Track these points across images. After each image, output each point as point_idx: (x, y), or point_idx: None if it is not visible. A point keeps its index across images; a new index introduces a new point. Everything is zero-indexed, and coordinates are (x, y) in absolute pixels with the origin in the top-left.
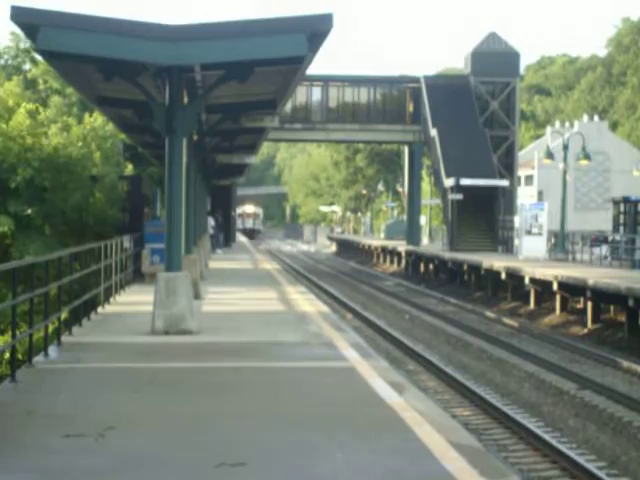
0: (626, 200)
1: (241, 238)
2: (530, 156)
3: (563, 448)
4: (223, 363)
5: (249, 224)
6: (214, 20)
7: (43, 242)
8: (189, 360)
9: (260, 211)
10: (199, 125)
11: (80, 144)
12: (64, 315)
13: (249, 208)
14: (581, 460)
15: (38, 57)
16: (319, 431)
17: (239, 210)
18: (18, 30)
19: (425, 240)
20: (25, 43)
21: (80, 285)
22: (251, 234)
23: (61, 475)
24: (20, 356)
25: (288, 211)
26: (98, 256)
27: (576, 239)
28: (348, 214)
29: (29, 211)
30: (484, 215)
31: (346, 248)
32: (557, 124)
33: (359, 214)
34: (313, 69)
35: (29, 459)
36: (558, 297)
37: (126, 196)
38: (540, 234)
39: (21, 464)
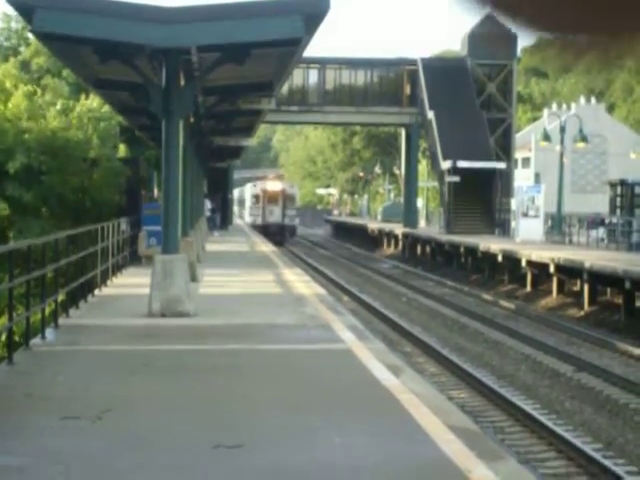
0: (623, 182)
1: (238, 220)
2: (527, 138)
3: (559, 430)
4: (220, 345)
5: (274, 215)
6: (211, 2)
7: (40, 226)
8: (186, 342)
9: (295, 190)
10: (196, 107)
11: (75, 124)
12: (61, 297)
13: (273, 184)
14: (577, 442)
15: (30, 38)
16: (316, 413)
17: (253, 189)
18: (9, 11)
19: (422, 223)
20: (17, 23)
21: (77, 267)
22: (279, 235)
23: (59, 457)
24: (17, 338)
25: None
26: (95, 239)
27: (573, 221)
28: (345, 196)
29: (27, 195)
30: (481, 197)
31: (342, 231)
32: (554, 106)
33: (356, 196)
34: (310, 51)
35: (27, 441)
36: (555, 279)
37: (124, 179)
38: (537, 216)
39: (19, 446)
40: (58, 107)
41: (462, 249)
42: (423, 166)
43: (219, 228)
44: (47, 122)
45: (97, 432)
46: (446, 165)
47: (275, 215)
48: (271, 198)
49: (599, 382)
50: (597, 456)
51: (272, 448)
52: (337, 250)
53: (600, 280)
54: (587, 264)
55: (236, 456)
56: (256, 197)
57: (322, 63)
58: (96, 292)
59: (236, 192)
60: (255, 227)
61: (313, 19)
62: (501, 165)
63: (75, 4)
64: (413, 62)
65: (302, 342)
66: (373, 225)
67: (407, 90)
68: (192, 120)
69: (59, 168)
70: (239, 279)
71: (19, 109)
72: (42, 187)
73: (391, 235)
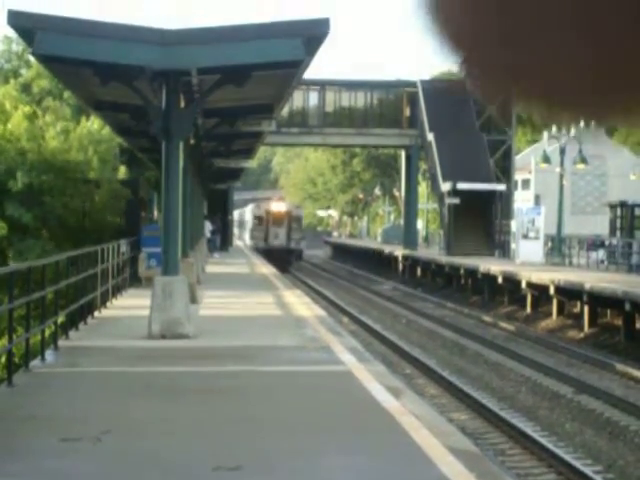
0: (623, 204)
1: (238, 241)
2: (527, 160)
3: (560, 452)
4: (220, 367)
5: (279, 238)
6: (211, 24)
7: (40, 247)
8: (186, 364)
9: (300, 212)
10: (196, 129)
11: (75, 145)
12: (61, 319)
13: (278, 205)
14: (578, 464)
15: (31, 60)
16: (316, 435)
17: (256, 210)
18: (10, 33)
19: (422, 244)
20: (18, 46)
21: (77, 289)
22: (284, 259)
23: (58, 479)
24: (17, 360)
25: None
26: (95, 260)
27: (573, 243)
28: (345, 218)
29: (27, 216)
30: (481, 219)
31: (342, 252)
32: (554, 128)
33: (356, 218)
34: (310, 73)
35: (26, 463)
36: (555, 301)
37: (124, 200)
38: (537, 238)
39: (18, 468)
40: (58, 129)
41: (462, 271)
42: (423, 188)
43: (219, 250)
44: (46, 143)
45: (97, 454)
46: (446, 187)
47: (280, 238)
48: (276, 220)
49: (599, 404)
50: (597, 478)
51: (272, 470)
52: (337, 272)
53: (600, 302)
54: (587, 286)
55: (236, 478)
56: (259, 219)
57: (322, 85)
58: (96, 314)
59: (236, 214)
60: (257, 251)
61: (313, 41)
62: (501, 187)
63: (75, 27)
64: (413, 84)
65: (302, 364)
66: (372, 247)
67: (407, 112)
68: (192, 142)
69: (59, 190)
70: (239, 301)
71: (19, 130)
72: (42, 208)
73: (391, 257)
